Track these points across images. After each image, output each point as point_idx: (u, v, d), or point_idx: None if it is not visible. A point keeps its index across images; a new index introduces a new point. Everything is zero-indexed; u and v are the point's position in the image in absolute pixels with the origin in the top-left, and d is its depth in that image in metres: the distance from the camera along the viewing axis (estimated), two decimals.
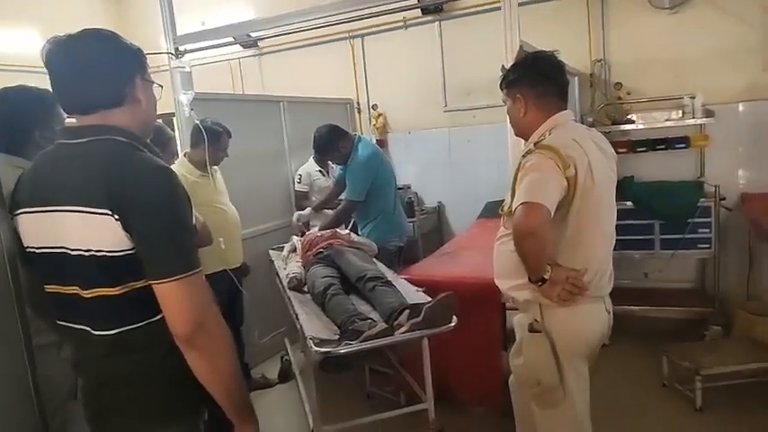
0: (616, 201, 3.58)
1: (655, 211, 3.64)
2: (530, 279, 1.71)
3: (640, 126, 3.84)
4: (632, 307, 3.68)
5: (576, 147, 1.69)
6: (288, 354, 3.54)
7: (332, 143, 3.52)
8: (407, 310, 2.10)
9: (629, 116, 3.92)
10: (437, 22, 4.73)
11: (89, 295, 1.15)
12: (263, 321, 3.55)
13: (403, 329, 2.04)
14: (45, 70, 1.20)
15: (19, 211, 1.22)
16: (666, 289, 3.96)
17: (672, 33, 3.87)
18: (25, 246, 1.24)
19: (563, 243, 1.73)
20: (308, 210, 3.81)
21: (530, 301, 1.80)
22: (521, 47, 2.41)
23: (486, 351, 2.74)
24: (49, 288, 1.23)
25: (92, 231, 1.12)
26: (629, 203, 3.66)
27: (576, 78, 4.10)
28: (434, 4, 4.57)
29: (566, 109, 1.84)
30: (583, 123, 3.96)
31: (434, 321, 2.05)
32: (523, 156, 1.74)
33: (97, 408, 1.25)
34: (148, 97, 1.28)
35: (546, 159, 1.64)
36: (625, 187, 3.77)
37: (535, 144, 1.73)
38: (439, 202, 5.03)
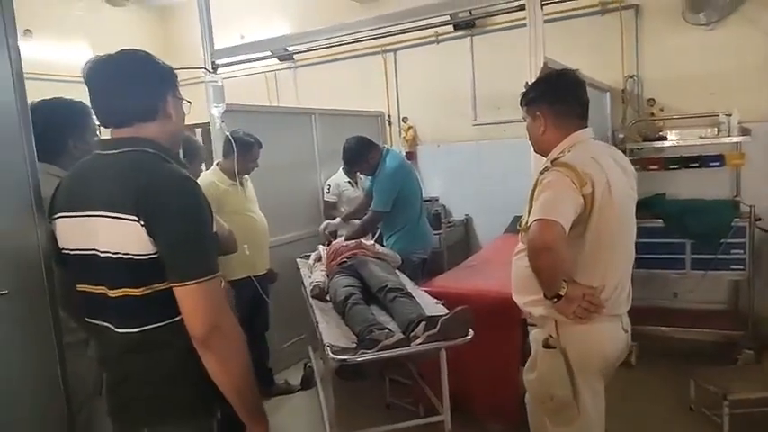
0: (646, 218, 3.60)
1: (686, 229, 3.56)
2: (545, 295, 1.71)
3: (673, 143, 3.78)
4: (660, 327, 3.61)
5: (593, 164, 1.70)
6: (311, 361, 3.60)
7: (360, 154, 3.59)
8: (424, 322, 2.13)
9: (661, 133, 3.87)
10: (469, 38, 4.78)
11: (115, 295, 1.24)
12: (287, 328, 3.64)
13: (419, 341, 2.07)
14: None
15: (56, 216, 1.32)
16: (696, 310, 3.85)
17: (707, 50, 3.81)
18: (61, 247, 1.33)
19: (580, 260, 1.73)
20: (337, 219, 3.88)
21: (545, 316, 1.80)
22: (545, 63, 2.42)
23: (504, 366, 2.73)
24: (80, 287, 1.32)
25: (120, 235, 1.20)
26: (659, 221, 3.60)
27: (608, 94, 4.08)
28: (467, 19, 4.62)
29: (586, 127, 1.85)
30: (614, 139, 3.96)
31: (450, 334, 2.07)
32: (541, 173, 1.75)
33: (118, 402, 1.33)
34: (178, 113, 1.38)
35: (562, 177, 1.65)
36: (656, 204, 3.71)
37: (552, 162, 1.74)
38: (466, 215, 5.04)
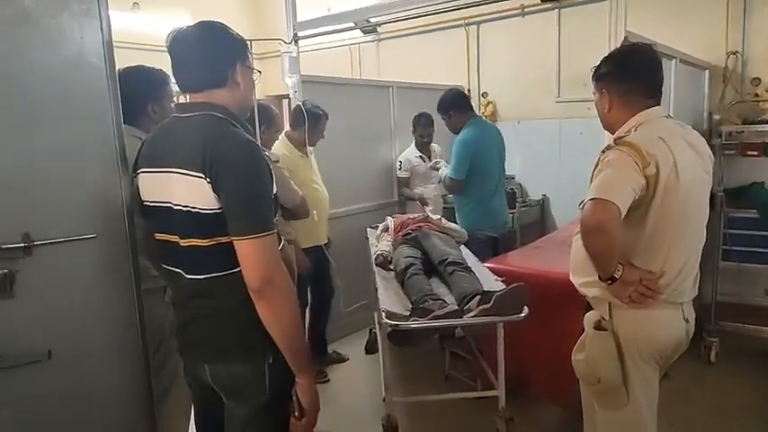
0: (740, 208, 3.31)
1: None
2: (599, 277, 1.67)
3: None
4: (746, 325, 3.36)
5: (660, 144, 1.61)
6: (375, 327, 3.73)
7: (449, 105, 3.60)
8: (479, 296, 2.15)
9: (765, 116, 3.53)
10: (556, 11, 4.57)
11: (185, 244, 1.37)
12: (354, 295, 3.77)
13: (472, 314, 2.09)
14: None
15: (139, 171, 1.47)
16: None
17: None
18: (143, 200, 1.48)
19: (640, 244, 1.66)
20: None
21: (599, 298, 1.76)
22: (625, 38, 2.30)
23: (564, 349, 2.68)
24: (159, 236, 1.47)
25: (190, 191, 1.32)
26: (753, 212, 3.32)
27: (707, 72, 3.77)
28: None
29: (656, 105, 1.75)
30: (710, 122, 3.66)
31: (504, 309, 2.08)
32: (603, 151, 1.69)
33: (184, 341, 1.49)
34: (246, 81, 1.47)
35: (624, 156, 1.58)
36: (752, 194, 3.43)
37: (616, 140, 1.67)
38: (543, 195, 4.91)
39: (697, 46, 3.60)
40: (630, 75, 1.74)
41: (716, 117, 3.58)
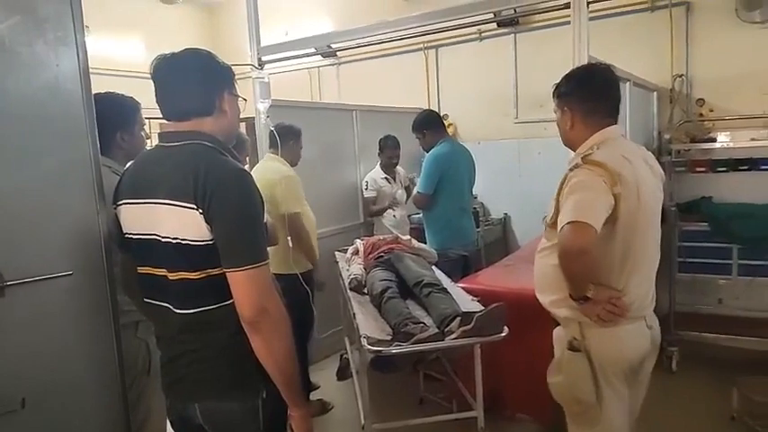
0: (691, 221, 3.48)
1: (734, 234, 3.46)
2: (571, 296, 1.69)
3: (722, 144, 3.67)
4: (703, 334, 3.52)
5: (625, 163, 1.65)
6: (347, 352, 3.68)
7: (422, 124, 3.72)
8: (459, 318, 2.16)
9: (710, 134, 3.76)
10: (512, 35, 4.75)
11: (174, 278, 1.32)
12: (324, 319, 3.71)
13: (453, 336, 2.10)
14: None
15: (121, 202, 1.41)
16: (743, 317, 3.72)
17: (762, 48, 3.67)
18: (124, 232, 1.43)
19: (606, 261, 1.69)
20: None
21: (569, 318, 1.77)
22: (589, 62, 2.40)
23: (539, 365, 2.72)
24: (142, 269, 1.41)
25: (179, 222, 1.28)
26: (704, 225, 3.51)
27: (655, 93, 3.99)
28: (511, 17, 4.59)
29: (615, 124, 1.80)
30: (659, 140, 3.87)
31: (485, 330, 2.09)
32: (570, 169, 1.70)
33: (172, 378, 1.43)
34: (233, 109, 1.45)
35: (595, 176, 1.61)
36: (702, 208, 3.62)
37: (583, 158, 1.68)
38: (505, 214, 5.02)
39: (645, 69, 3.80)
40: (593, 94, 1.78)
41: (666, 136, 3.79)
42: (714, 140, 3.70)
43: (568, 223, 1.56)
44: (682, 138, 3.81)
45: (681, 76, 3.95)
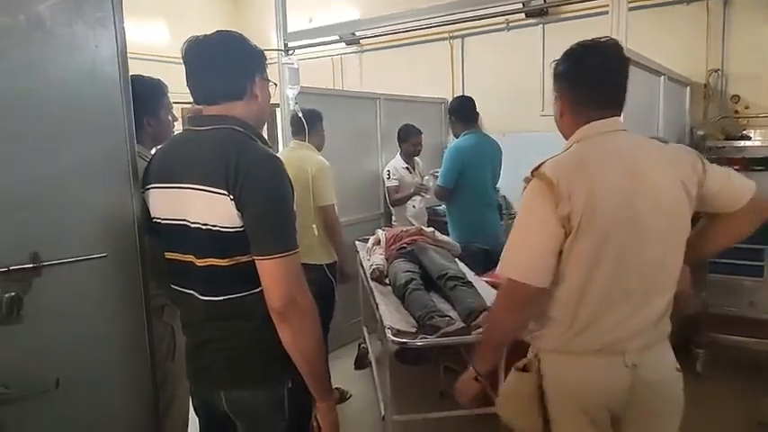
0: None
1: (766, 235, 3.35)
2: (474, 369, 1.55)
3: (758, 143, 3.55)
4: (732, 336, 3.43)
5: (576, 174, 1.33)
6: (365, 342, 3.66)
7: (453, 111, 3.71)
8: (486, 312, 2.12)
9: (744, 132, 3.65)
10: (540, 26, 4.64)
11: (202, 264, 1.31)
12: (343, 308, 3.70)
13: (480, 330, 2.06)
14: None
15: (149, 186, 1.40)
16: None
17: None
18: (152, 216, 1.41)
19: (559, 296, 1.39)
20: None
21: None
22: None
23: None
24: (169, 255, 1.40)
25: (210, 208, 1.26)
26: None
27: (688, 88, 3.88)
28: (539, 7, 4.49)
29: (610, 117, 1.42)
30: (692, 136, 3.76)
31: None
32: (525, 179, 1.42)
33: (197, 365, 1.42)
34: (264, 94, 1.42)
35: (538, 197, 1.34)
36: None
37: (534, 169, 1.39)
38: None
39: (679, 63, 3.70)
40: (588, 78, 1.44)
41: (699, 132, 3.68)
42: (749, 138, 3.59)
43: (509, 279, 1.37)
44: (716, 134, 3.70)
45: (716, 71, 3.84)
